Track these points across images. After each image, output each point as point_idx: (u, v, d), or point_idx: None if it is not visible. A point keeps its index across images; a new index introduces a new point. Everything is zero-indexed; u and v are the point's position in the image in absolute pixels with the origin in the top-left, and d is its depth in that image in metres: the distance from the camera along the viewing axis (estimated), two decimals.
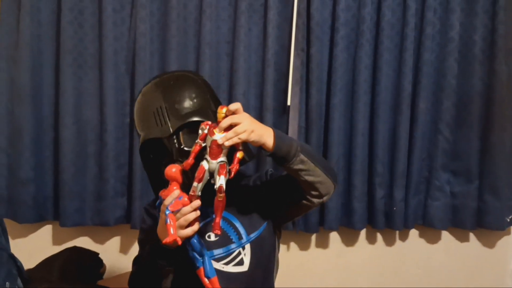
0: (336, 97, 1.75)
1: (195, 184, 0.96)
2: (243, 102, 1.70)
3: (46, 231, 1.80)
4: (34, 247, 1.77)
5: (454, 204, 1.88)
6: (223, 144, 0.93)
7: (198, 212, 0.98)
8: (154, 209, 1.15)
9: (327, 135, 1.77)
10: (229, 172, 0.95)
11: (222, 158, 0.96)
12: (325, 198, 1.09)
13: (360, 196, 1.78)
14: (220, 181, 0.95)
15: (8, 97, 1.68)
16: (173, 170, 1.01)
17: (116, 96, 1.69)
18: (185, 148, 1.06)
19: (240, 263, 1.10)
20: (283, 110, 1.79)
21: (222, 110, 0.96)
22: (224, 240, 1.09)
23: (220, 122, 0.95)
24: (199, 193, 0.97)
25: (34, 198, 1.69)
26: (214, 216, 0.97)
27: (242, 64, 1.72)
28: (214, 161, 0.96)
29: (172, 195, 0.98)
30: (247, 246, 1.11)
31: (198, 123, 1.01)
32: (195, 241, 1.01)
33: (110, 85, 1.68)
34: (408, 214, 1.83)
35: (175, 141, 1.07)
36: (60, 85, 1.67)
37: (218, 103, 1.14)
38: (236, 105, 0.95)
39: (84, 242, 1.80)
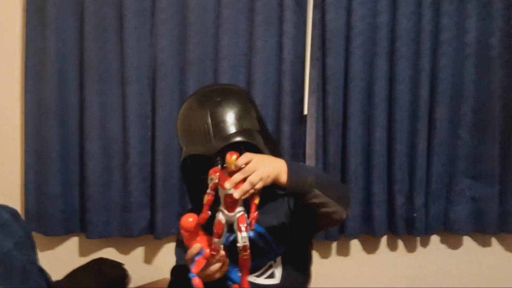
0: (353, 105, 1.76)
1: (215, 240, 0.90)
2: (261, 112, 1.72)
3: (72, 243, 1.85)
4: (61, 259, 1.82)
5: (476, 209, 1.86)
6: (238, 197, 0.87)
7: (222, 259, 0.95)
8: None
9: (344, 143, 1.78)
10: (250, 224, 0.89)
11: (239, 209, 0.90)
12: (338, 224, 1.08)
13: (380, 203, 1.78)
14: (243, 239, 0.88)
15: (35, 115, 1.73)
16: (189, 220, 0.92)
17: (139, 110, 1.73)
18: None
19: (272, 276, 1.10)
20: (300, 119, 1.81)
21: (232, 158, 0.88)
22: (255, 253, 1.05)
23: (230, 171, 0.88)
24: (222, 247, 0.92)
25: (61, 212, 1.73)
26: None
27: (259, 75, 1.75)
28: (231, 214, 0.89)
29: (192, 250, 0.92)
30: (278, 259, 1.11)
31: (242, 142, 1.04)
32: (234, 276, 0.99)
33: (133, 100, 1.72)
34: (429, 220, 1.82)
35: (218, 159, 1.05)
36: (85, 101, 1.72)
37: (262, 121, 1.14)
38: (247, 157, 0.90)
39: (109, 253, 1.84)
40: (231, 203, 0.90)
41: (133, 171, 1.73)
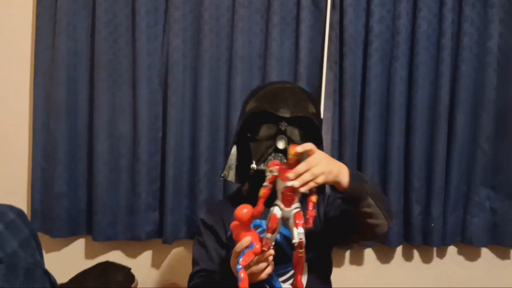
0: (370, 110, 1.72)
1: (268, 235, 0.88)
2: None
3: (78, 245, 1.81)
4: (66, 261, 1.78)
5: (495, 220, 1.81)
6: (298, 189, 0.86)
7: (271, 259, 0.93)
8: (211, 217, 1.17)
9: (361, 149, 1.74)
10: (307, 221, 0.87)
11: (297, 205, 0.88)
12: (376, 239, 1.09)
13: (396, 212, 1.73)
14: (300, 235, 0.86)
15: (44, 112, 1.70)
16: (244, 210, 0.91)
17: (149, 110, 1.69)
18: (293, 138, 1.09)
19: None
20: (320, 118, 1.75)
21: (294, 150, 0.87)
22: (282, 257, 1.05)
23: (291, 163, 0.88)
24: (273, 244, 0.90)
25: (67, 212, 1.69)
26: (291, 271, 0.96)
27: (274, 77, 1.70)
28: (288, 209, 0.88)
29: (243, 242, 0.91)
30: (305, 265, 1.09)
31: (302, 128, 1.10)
32: (276, 283, 0.97)
33: (144, 100, 1.68)
34: (446, 231, 1.77)
35: (285, 125, 1.09)
36: (95, 100, 1.69)
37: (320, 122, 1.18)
38: (309, 145, 0.89)
39: (116, 256, 1.80)
40: (289, 197, 0.88)
41: (142, 173, 1.69)
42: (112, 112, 1.71)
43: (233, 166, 1.20)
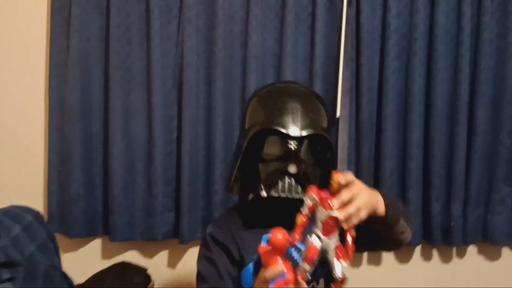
0: (388, 107, 1.69)
1: (306, 267, 0.81)
2: None
3: (95, 245, 1.81)
4: (83, 261, 1.78)
5: None
6: (341, 222, 0.81)
7: None
8: (220, 233, 1.11)
9: (379, 147, 1.71)
10: (348, 255, 0.83)
11: (337, 236, 0.83)
12: (398, 248, 1.08)
13: (415, 210, 1.70)
14: (343, 268, 0.81)
15: (58, 114, 1.69)
16: (279, 236, 0.84)
17: (164, 111, 1.68)
18: (301, 157, 1.03)
19: None
20: (332, 122, 1.73)
21: (337, 179, 0.82)
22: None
23: (334, 193, 0.83)
24: (309, 277, 0.83)
25: (84, 213, 1.69)
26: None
27: (289, 75, 1.68)
28: (328, 240, 0.82)
29: (275, 270, 0.85)
30: (321, 281, 1.07)
31: (311, 140, 1.04)
32: None
33: (158, 101, 1.67)
34: (467, 229, 1.74)
35: (296, 143, 1.01)
36: (109, 101, 1.68)
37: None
38: (351, 176, 0.85)
39: (133, 256, 1.80)
40: (331, 227, 0.82)
41: (157, 174, 1.68)
42: (126, 114, 1.69)
43: (238, 179, 1.12)
